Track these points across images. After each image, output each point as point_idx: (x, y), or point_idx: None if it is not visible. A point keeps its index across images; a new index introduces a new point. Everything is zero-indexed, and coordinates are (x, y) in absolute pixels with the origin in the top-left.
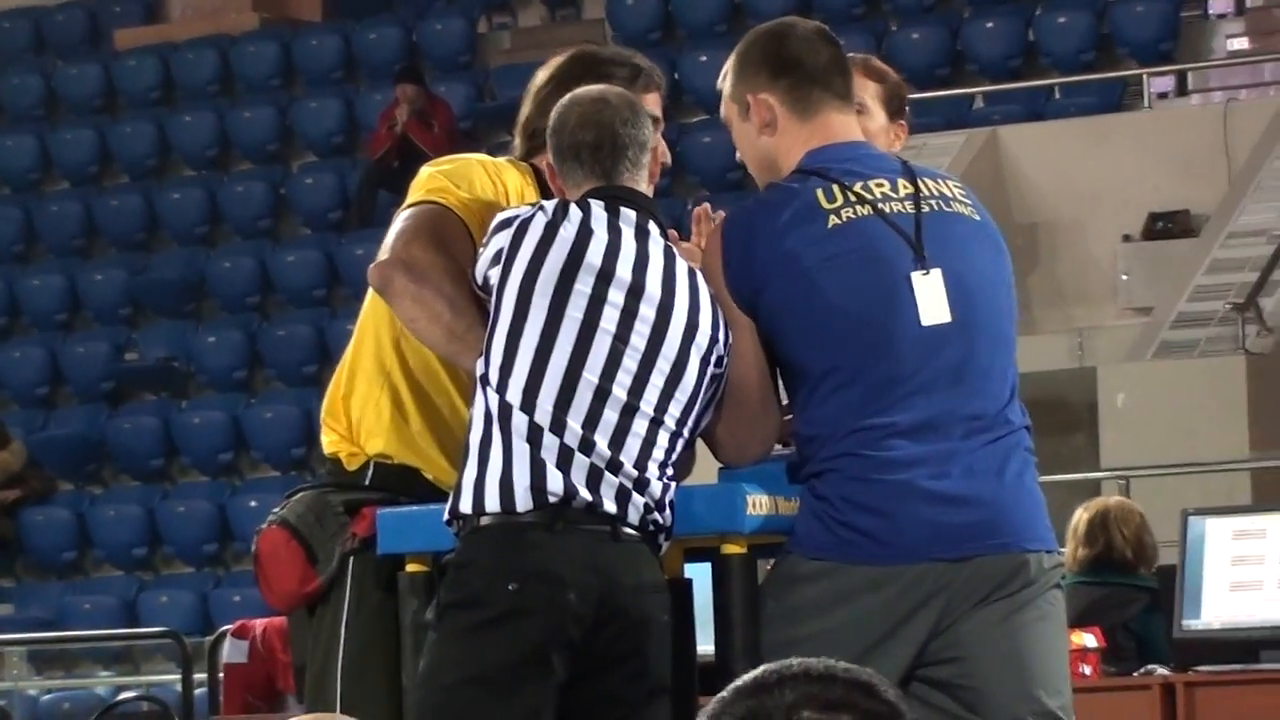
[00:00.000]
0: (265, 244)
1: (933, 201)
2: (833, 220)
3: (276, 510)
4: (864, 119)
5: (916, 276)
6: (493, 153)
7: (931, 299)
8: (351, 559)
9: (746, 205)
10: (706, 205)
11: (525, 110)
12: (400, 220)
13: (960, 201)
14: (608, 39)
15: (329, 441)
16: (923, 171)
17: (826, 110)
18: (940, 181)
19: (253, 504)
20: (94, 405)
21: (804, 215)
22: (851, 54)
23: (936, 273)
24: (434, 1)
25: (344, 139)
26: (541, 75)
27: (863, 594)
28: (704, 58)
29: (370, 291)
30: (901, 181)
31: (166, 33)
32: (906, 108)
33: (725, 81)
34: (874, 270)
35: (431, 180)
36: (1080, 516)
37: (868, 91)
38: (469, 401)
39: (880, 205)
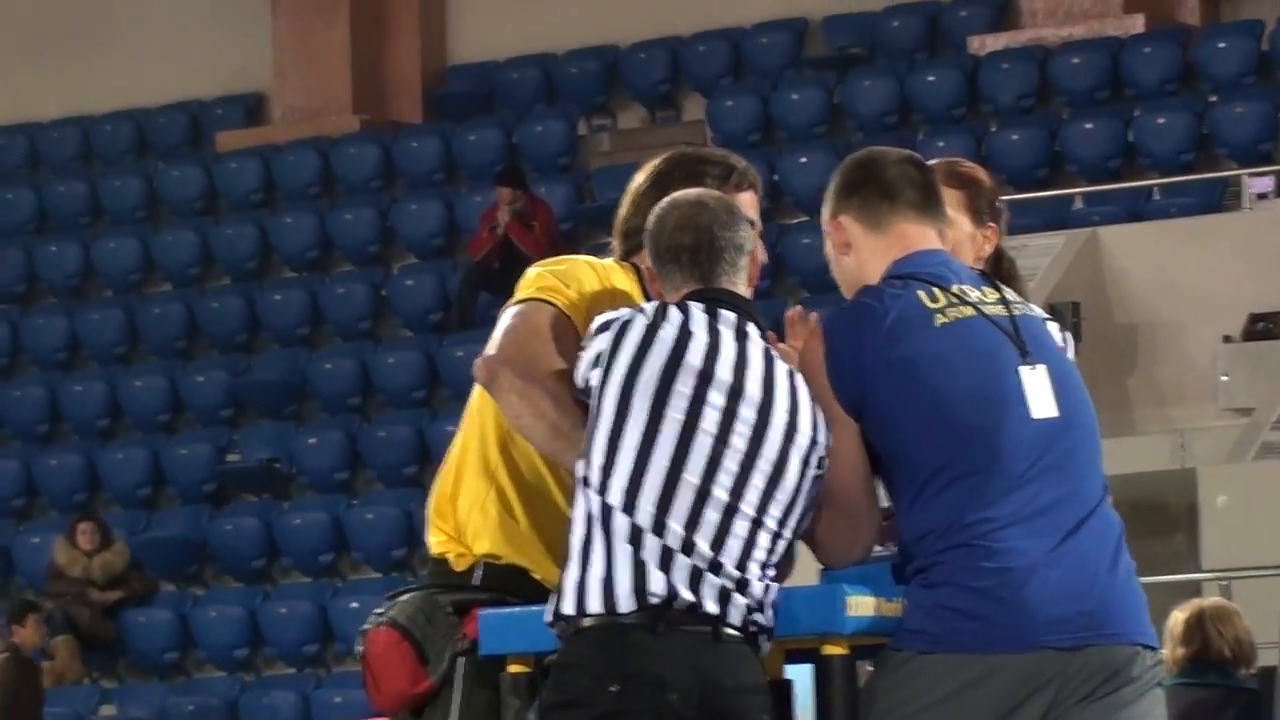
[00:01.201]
0: (366, 345)
1: (1019, 305)
2: (939, 319)
3: (379, 611)
4: (948, 228)
5: (1025, 370)
6: (593, 254)
7: (1040, 393)
8: (462, 660)
9: (850, 307)
10: (799, 308)
11: (623, 210)
12: (508, 316)
13: (1034, 308)
14: (707, 140)
15: (436, 542)
16: (996, 281)
17: (899, 222)
18: (1011, 291)
19: (354, 605)
20: (196, 506)
21: (910, 315)
22: (937, 159)
23: (1043, 368)
24: (535, 104)
25: (444, 240)
26: (639, 176)
27: (973, 685)
28: (803, 159)
29: (475, 389)
30: (986, 288)
31: (268, 135)
32: (999, 209)
33: (824, 208)
34: (984, 366)
35: (540, 279)
36: (1176, 618)
37: (950, 200)
38: (572, 501)
39: (980, 306)
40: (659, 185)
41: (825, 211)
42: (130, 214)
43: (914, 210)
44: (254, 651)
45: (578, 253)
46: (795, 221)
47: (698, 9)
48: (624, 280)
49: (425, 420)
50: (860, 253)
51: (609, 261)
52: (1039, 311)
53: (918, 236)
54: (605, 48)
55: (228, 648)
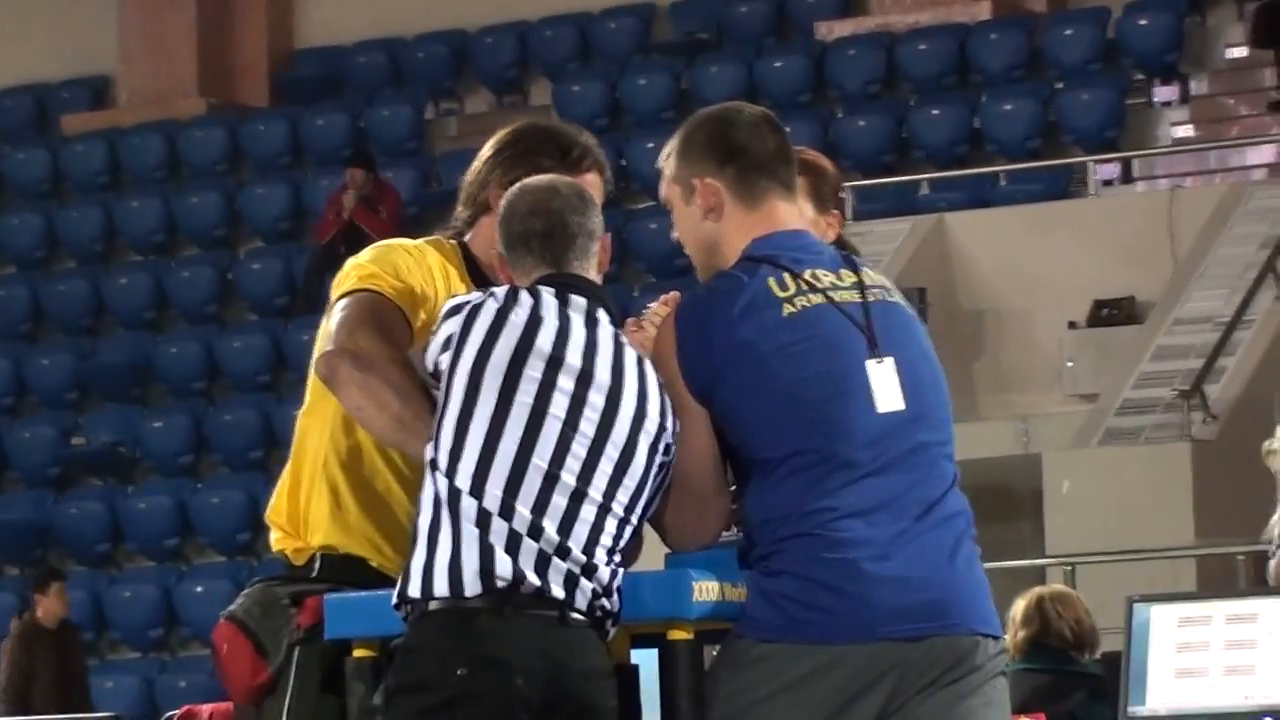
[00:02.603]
0: (211, 329)
1: (876, 291)
2: (787, 309)
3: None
4: None
5: (871, 365)
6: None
7: (886, 387)
8: (297, 649)
9: (699, 295)
10: (631, 320)
11: (468, 177)
12: (339, 310)
13: (894, 293)
14: None
15: (275, 540)
16: (860, 263)
17: (772, 199)
18: (874, 273)
19: (199, 589)
20: (40, 490)
21: (759, 303)
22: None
23: (890, 361)
24: (382, 88)
25: (291, 224)
26: (486, 146)
27: (814, 675)
28: (650, 144)
29: (310, 385)
30: (844, 271)
31: (113, 117)
32: (841, 197)
33: (668, 162)
34: (830, 358)
35: (360, 269)
36: (1017, 604)
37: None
38: (406, 486)
39: (830, 294)
40: (499, 155)
41: (683, 169)
42: None
43: (784, 188)
44: (98, 636)
45: (425, 236)
46: (642, 206)
47: None
48: (438, 258)
49: (271, 404)
50: (728, 223)
51: (420, 241)
52: (898, 296)
53: (785, 215)
54: (453, 32)
55: None
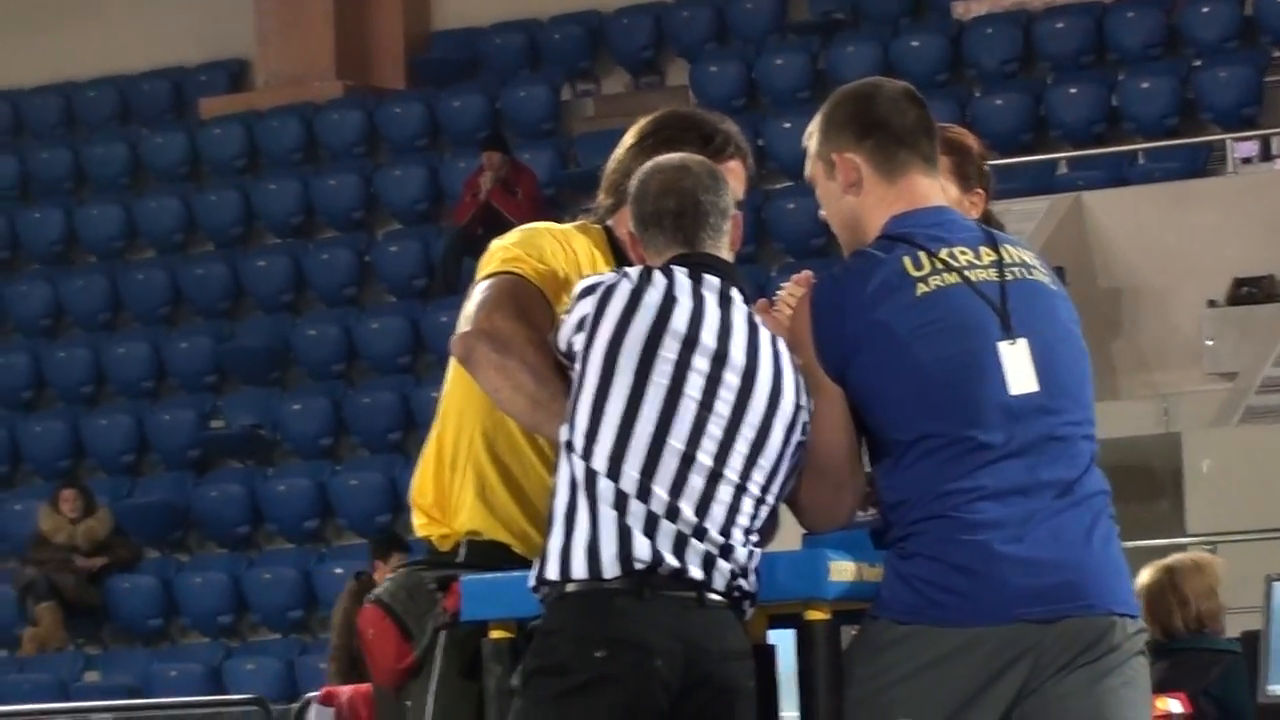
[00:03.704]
0: (350, 311)
1: (1016, 269)
2: (920, 288)
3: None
4: None
5: (1004, 346)
6: (576, 219)
7: (1019, 368)
8: (443, 634)
9: (834, 274)
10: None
11: (609, 165)
12: (479, 292)
13: (1039, 270)
14: (691, 106)
15: (419, 525)
16: (1003, 239)
17: (912, 173)
18: (1019, 249)
19: (338, 571)
20: (180, 473)
21: (892, 284)
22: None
23: (1023, 342)
24: (518, 69)
25: (428, 206)
26: (629, 134)
27: (950, 657)
28: (787, 124)
29: (451, 367)
30: (984, 249)
31: (251, 101)
32: (987, 175)
33: (811, 140)
34: (962, 339)
35: (504, 252)
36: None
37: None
38: (551, 472)
39: (967, 273)
40: (641, 143)
41: (825, 145)
42: (114, 180)
43: (925, 162)
44: (238, 618)
45: (561, 219)
46: (780, 186)
47: None
48: (585, 243)
49: (409, 386)
50: (868, 197)
51: (568, 226)
52: (1043, 274)
53: (925, 190)
54: (589, 13)
55: (212, 614)
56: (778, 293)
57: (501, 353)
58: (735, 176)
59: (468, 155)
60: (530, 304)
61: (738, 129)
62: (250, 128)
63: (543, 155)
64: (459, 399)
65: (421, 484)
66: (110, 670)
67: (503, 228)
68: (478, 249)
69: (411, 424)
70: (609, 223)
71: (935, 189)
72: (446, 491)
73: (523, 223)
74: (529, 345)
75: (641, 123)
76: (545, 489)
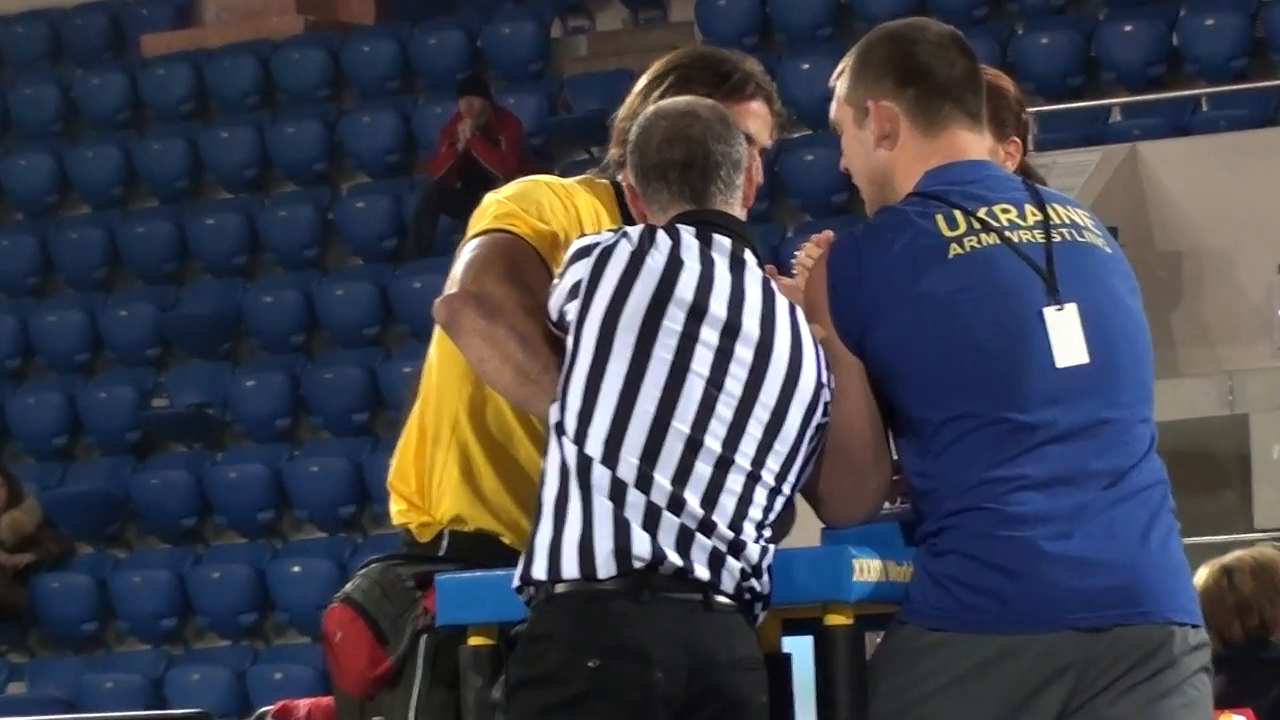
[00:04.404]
0: (311, 276)
1: (1064, 230)
2: (954, 249)
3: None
4: None
5: (1050, 312)
6: (566, 172)
7: (1067, 338)
8: (424, 638)
9: (855, 232)
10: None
11: (620, 112)
12: (468, 250)
13: (1092, 231)
14: (696, 44)
15: (397, 511)
16: (1051, 197)
17: (955, 127)
18: (1069, 208)
19: (296, 569)
20: (117, 458)
21: (922, 244)
22: None
23: (1072, 308)
24: (502, 2)
25: (399, 158)
26: (644, 77)
27: (986, 668)
28: (805, 65)
29: (436, 333)
30: (1029, 208)
31: (199, 38)
32: (1025, 123)
33: (841, 81)
34: (1002, 305)
35: (498, 207)
36: (1200, 575)
37: None
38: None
39: (1008, 234)
40: (652, 87)
41: (858, 88)
42: (44, 128)
43: (970, 117)
44: (183, 622)
45: (550, 171)
46: (796, 136)
47: None
48: (589, 200)
49: (377, 360)
50: (904, 151)
51: (571, 181)
52: (1094, 233)
53: (967, 145)
54: None
55: (153, 618)
56: (795, 255)
57: (489, 319)
58: (758, 119)
59: (445, 100)
60: (525, 266)
61: (762, 68)
62: (199, 68)
63: (529, 100)
64: (442, 371)
65: (402, 467)
66: (38, 681)
67: (483, 181)
68: (455, 206)
69: (379, 403)
70: (620, 179)
71: (978, 145)
72: (427, 475)
73: (507, 176)
74: (520, 311)
75: (655, 65)
76: (537, 473)
